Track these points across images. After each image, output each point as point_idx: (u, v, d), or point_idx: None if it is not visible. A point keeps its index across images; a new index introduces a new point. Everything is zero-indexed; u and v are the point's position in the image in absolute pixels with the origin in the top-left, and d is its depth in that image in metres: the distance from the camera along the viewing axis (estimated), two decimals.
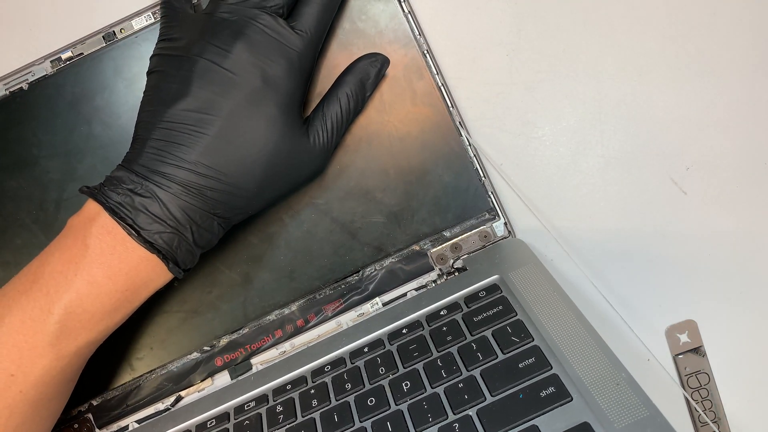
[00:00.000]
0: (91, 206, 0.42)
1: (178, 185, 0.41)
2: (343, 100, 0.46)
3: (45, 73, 0.49)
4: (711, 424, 0.51)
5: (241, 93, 0.42)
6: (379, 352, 0.45)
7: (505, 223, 0.51)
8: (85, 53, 0.49)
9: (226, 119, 0.41)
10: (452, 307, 0.46)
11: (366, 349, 0.46)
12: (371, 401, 0.42)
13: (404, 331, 0.46)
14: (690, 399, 0.51)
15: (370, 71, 0.47)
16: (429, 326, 0.45)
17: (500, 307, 0.44)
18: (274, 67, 0.42)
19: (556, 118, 0.51)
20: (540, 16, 0.51)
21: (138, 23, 0.49)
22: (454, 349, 0.43)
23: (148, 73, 0.44)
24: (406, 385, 0.42)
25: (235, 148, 0.42)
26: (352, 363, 0.45)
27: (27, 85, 0.49)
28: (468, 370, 0.41)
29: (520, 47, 0.51)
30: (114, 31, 0.49)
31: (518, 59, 0.51)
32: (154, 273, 0.43)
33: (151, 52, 0.46)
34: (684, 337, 0.51)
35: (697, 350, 0.51)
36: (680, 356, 0.51)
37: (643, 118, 0.51)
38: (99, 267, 0.41)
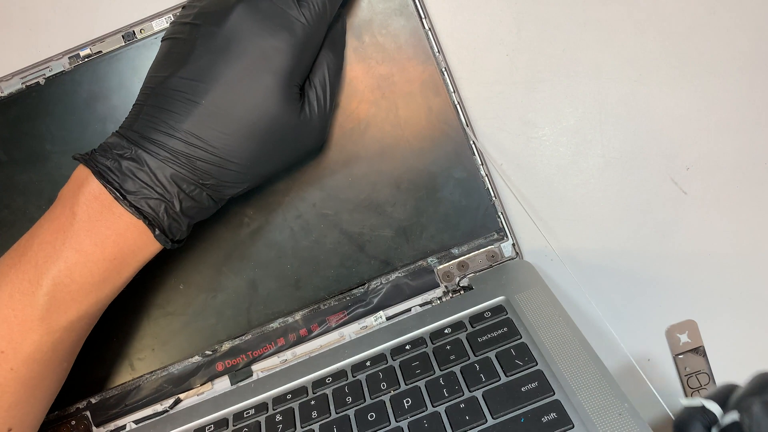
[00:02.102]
0: (81, 172, 0.41)
1: (167, 153, 0.40)
2: (322, 60, 0.45)
3: (62, 69, 0.49)
4: None
5: (238, 63, 0.40)
6: (381, 367, 0.45)
7: (513, 244, 0.51)
8: (104, 51, 0.50)
9: (220, 89, 0.40)
10: (457, 325, 0.46)
11: (368, 363, 0.46)
12: (371, 416, 0.42)
13: (407, 347, 0.46)
14: None
15: (334, 25, 0.47)
16: (433, 344, 0.45)
17: (505, 329, 0.44)
18: (275, 39, 0.41)
19: (556, 118, 0.52)
20: (540, 16, 0.51)
21: (158, 24, 0.49)
22: (457, 369, 0.42)
23: (162, 40, 0.44)
24: (407, 402, 0.42)
25: (228, 119, 0.41)
26: (353, 376, 0.45)
27: (44, 80, 0.49)
28: (470, 391, 0.41)
29: (520, 47, 0.51)
30: (134, 31, 0.50)
31: (518, 59, 0.52)
32: (142, 241, 0.41)
33: None
34: (684, 337, 0.51)
35: (697, 350, 0.51)
36: (680, 356, 0.51)
37: (643, 118, 0.52)
38: (86, 234, 0.40)
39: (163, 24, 0.49)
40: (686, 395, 0.51)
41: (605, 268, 0.52)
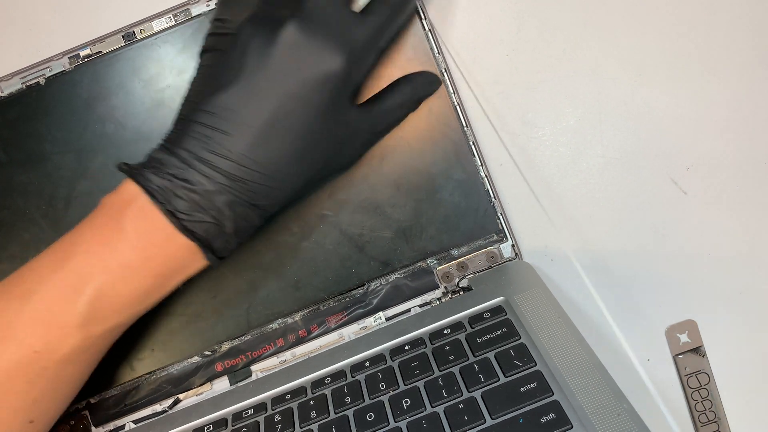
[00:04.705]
0: (130, 187, 0.40)
1: (222, 176, 0.39)
2: (395, 112, 0.46)
3: (63, 69, 0.49)
4: (711, 424, 0.50)
5: (293, 83, 0.39)
6: (380, 367, 0.45)
7: (513, 245, 0.51)
8: (104, 51, 0.50)
9: (275, 111, 0.39)
10: (456, 326, 0.46)
11: (367, 364, 0.46)
12: (370, 416, 0.42)
13: (407, 347, 0.46)
14: (690, 399, 0.51)
15: (427, 91, 0.47)
16: (432, 344, 0.45)
17: (504, 330, 0.44)
18: (332, 58, 0.40)
19: (556, 118, 0.52)
20: (540, 16, 0.51)
21: (158, 25, 0.49)
22: (456, 369, 0.43)
23: (201, 53, 0.43)
24: (406, 402, 0.42)
25: (283, 141, 0.40)
26: (352, 376, 0.45)
27: (44, 80, 0.49)
28: (469, 391, 0.41)
29: (520, 47, 0.51)
30: (134, 32, 0.50)
31: (518, 59, 0.52)
32: (189, 260, 0.42)
33: (171, 55, 0.46)
34: (684, 337, 0.51)
35: (697, 350, 0.51)
36: (680, 356, 0.51)
37: (643, 118, 0.51)
38: (134, 251, 0.40)
39: (163, 24, 0.49)
40: (686, 395, 0.51)
41: (605, 268, 0.52)
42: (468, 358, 0.43)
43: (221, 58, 0.41)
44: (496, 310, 0.45)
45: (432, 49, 0.50)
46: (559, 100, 0.52)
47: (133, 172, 0.41)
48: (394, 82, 0.47)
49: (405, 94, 0.46)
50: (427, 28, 0.49)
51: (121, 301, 0.41)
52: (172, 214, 0.39)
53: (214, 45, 0.42)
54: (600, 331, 0.52)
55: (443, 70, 0.50)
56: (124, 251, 0.40)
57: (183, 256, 0.41)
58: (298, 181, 0.42)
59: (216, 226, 0.40)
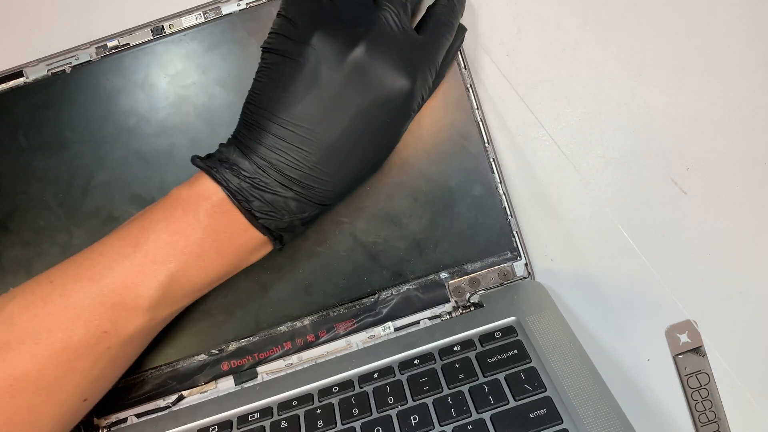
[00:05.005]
0: (207, 184, 0.42)
1: (295, 184, 0.41)
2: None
3: (89, 59, 0.49)
4: (711, 424, 0.51)
5: (363, 102, 0.41)
6: (389, 381, 0.45)
7: (526, 264, 0.51)
8: (131, 44, 0.49)
9: (346, 129, 0.41)
10: (466, 343, 0.46)
11: (376, 375, 0.46)
12: (378, 430, 0.42)
13: (416, 362, 0.46)
14: (690, 399, 0.51)
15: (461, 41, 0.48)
16: (441, 360, 0.45)
17: (515, 351, 0.44)
18: (401, 80, 0.42)
19: (556, 118, 0.52)
20: (540, 16, 0.52)
21: (188, 21, 0.49)
22: (465, 389, 0.43)
23: (265, 50, 0.43)
24: (415, 419, 0.42)
25: (353, 156, 0.42)
26: (360, 387, 0.45)
27: (70, 69, 0.49)
28: (478, 413, 0.41)
29: (520, 47, 0.52)
30: (163, 26, 0.49)
31: (518, 59, 0.52)
32: (258, 249, 0.44)
33: (199, 52, 0.47)
34: (684, 337, 0.51)
35: (697, 350, 0.51)
36: (680, 356, 0.51)
37: (643, 118, 0.52)
38: (211, 244, 0.42)
39: (192, 21, 0.49)
40: (686, 395, 0.51)
41: (604, 268, 0.52)
42: (478, 378, 0.43)
43: (291, 66, 0.42)
44: (508, 330, 0.46)
45: (458, 63, 0.50)
46: (559, 100, 0.52)
47: (211, 170, 0.42)
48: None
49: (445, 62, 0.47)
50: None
51: (192, 287, 0.43)
52: (249, 213, 0.42)
53: (279, 47, 0.42)
54: (600, 330, 0.52)
55: (468, 86, 0.50)
56: (202, 243, 0.42)
57: (254, 247, 0.44)
58: (360, 179, 0.45)
59: (288, 223, 0.43)
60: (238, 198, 0.41)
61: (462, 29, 0.47)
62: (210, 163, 0.42)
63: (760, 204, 0.52)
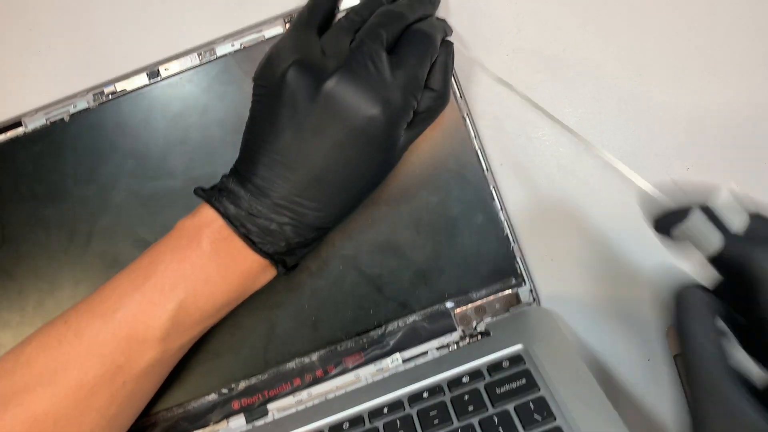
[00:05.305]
0: (208, 212, 0.43)
1: (286, 209, 0.42)
2: (429, 115, 0.46)
3: (87, 106, 0.50)
4: None
5: (339, 134, 0.42)
6: (399, 415, 0.45)
7: (531, 290, 0.51)
8: (128, 89, 0.50)
9: (327, 160, 0.42)
10: (475, 374, 0.46)
11: (386, 410, 0.46)
12: None
13: (425, 394, 0.46)
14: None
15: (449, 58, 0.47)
16: (450, 392, 0.45)
17: (524, 381, 0.44)
18: (371, 110, 0.42)
19: (556, 118, 0.52)
20: (540, 16, 0.52)
21: (183, 64, 0.50)
22: (475, 421, 0.43)
23: (254, 81, 0.45)
24: None
25: (336, 180, 0.43)
26: (371, 423, 0.45)
27: (68, 117, 0.50)
28: None
29: (520, 47, 0.52)
30: (158, 70, 0.50)
31: (518, 59, 0.52)
32: (263, 274, 0.45)
33: (196, 94, 0.47)
34: None
35: None
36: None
37: (643, 118, 0.52)
38: (216, 268, 0.43)
39: (187, 63, 0.50)
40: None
41: (604, 267, 0.52)
42: (487, 410, 0.43)
43: (273, 98, 0.43)
44: (515, 359, 0.46)
45: (455, 93, 0.50)
46: (559, 100, 0.52)
47: (211, 198, 0.43)
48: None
49: (438, 84, 0.46)
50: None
51: (201, 314, 0.44)
52: (247, 238, 0.42)
53: (263, 79, 0.44)
54: (600, 329, 0.52)
55: (465, 115, 0.50)
56: (207, 268, 0.43)
57: (257, 271, 0.44)
58: (353, 203, 0.45)
59: (286, 246, 0.43)
60: (236, 224, 0.42)
61: (447, 44, 0.47)
62: (210, 193, 0.44)
63: (760, 204, 0.51)
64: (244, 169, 0.44)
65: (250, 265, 0.44)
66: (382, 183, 0.47)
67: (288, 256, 0.44)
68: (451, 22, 0.51)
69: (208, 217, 0.43)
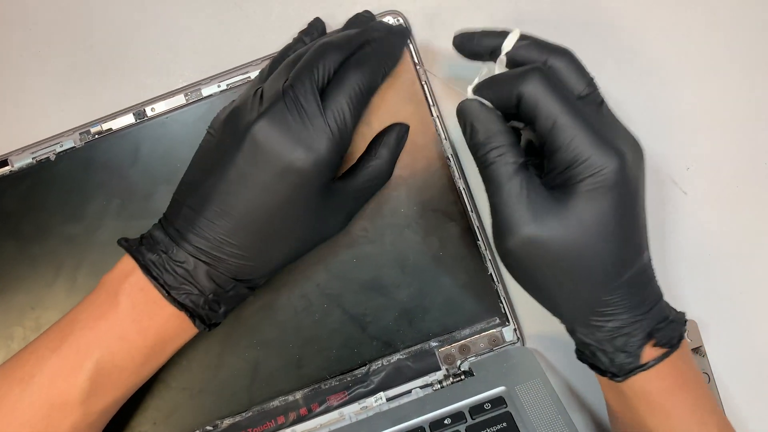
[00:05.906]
0: (127, 262, 0.43)
1: (205, 255, 0.41)
2: (376, 177, 0.46)
3: (73, 145, 0.50)
4: None
5: (264, 177, 0.41)
6: None
7: (515, 329, 0.51)
8: (114, 129, 0.50)
9: (249, 203, 0.41)
10: (457, 416, 0.46)
11: None
12: None
13: None
14: None
15: (402, 143, 0.47)
16: None
17: (504, 424, 0.44)
18: (298, 154, 0.40)
19: None
20: (540, 16, 0.52)
21: (168, 104, 0.50)
22: None
23: (207, 131, 0.45)
24: None
25: (260, 228, 0.41)
26: None
27: (54, 156, 0.50)
28: None
29: None
30: (144, 110, 0.50)
31: None
32: (181, 329, 0.43)
33: (183, 133, 0.49)
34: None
35: (697, 350, 0.51)
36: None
37: (643, 118, 0.52)
38: (131, 323, 0.42)
39: (173, 104, 0.50)
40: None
41: None
42: None
43: (206, 143, 0.44)
44: (497, 401, 0.46)
45: (440, 134, 0.50)
46: None
47: (131, 247, 0.43)
48: (371, 143, 0.47)
49: (382, 158, 0.46)
50: (435, 115, 0.50)
51: (120, 374, 0.43)
52: (162, 286, 0.41)
53: (212, 127, 0.44)
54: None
55: (449, 156, 0.50)
56: (122, 324, 0.42)
57: (175, 325, 0.43)
58: (282, 257, 0.44)
59: (202, 297, 0.42)
60: (152, 272, 0.41)
61: (401, 127, 0.47)
62: (132, 243, 0.43)
63: (760, 204, 0.52)
64: (169, 213, 0.43)
65: (167, 319, 0.42)
66: (331, 239, 0.47)
67: (207, 311, 0.43)
68: (451, 22, 0.51)
69: (126, 268, 0.42)
